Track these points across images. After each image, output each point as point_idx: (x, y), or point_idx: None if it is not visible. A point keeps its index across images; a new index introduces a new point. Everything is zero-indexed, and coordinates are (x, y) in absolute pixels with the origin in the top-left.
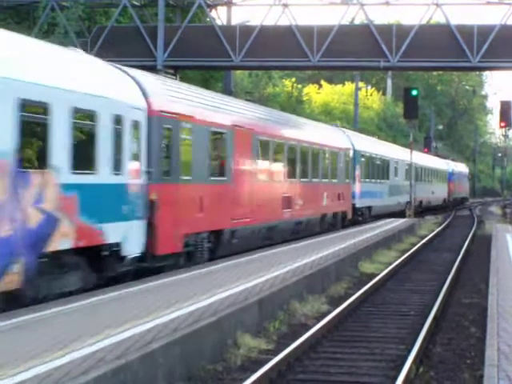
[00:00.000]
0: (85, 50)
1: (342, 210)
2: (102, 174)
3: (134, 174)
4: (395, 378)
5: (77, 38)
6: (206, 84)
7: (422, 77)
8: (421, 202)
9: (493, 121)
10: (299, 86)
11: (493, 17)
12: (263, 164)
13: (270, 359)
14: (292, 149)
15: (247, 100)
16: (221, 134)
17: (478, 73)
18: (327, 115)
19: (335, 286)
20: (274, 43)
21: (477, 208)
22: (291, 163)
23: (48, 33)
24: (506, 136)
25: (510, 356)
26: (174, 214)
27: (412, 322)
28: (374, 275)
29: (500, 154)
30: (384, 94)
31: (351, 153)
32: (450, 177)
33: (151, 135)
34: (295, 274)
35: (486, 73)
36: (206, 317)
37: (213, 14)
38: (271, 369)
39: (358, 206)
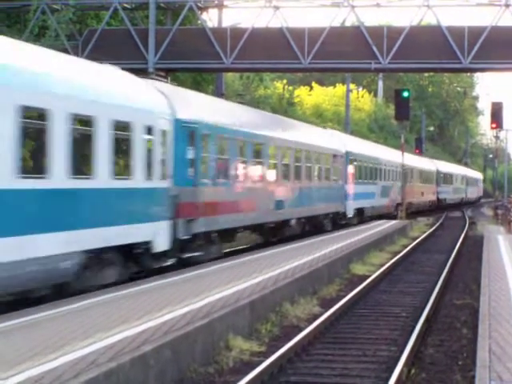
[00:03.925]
0: (76, 53)
1: (434, 199)
2: (388, 181)
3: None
4: (387, 379)
5: (68, 41)
6: (197, 86)
7: (413, 78)
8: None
9: (484, 122)
10: (290, 88)
11: (484, 18)
12: (416, 176)
13: (262, 361)
14: (419, 170)
15: (239, 102)
16: (428, 173)
17: (469, 74)
18: (318, 117)
19: (327, 287)
20: (265, 45)
21: (468, 209)
22: (422, 177)
23: (39, 36)
24: (497, 137)
25: (502, 357)
26: (408, 194)
27: (404, 323)
28: (365, 277)
29: (491, 155)
30: (375, 95)
31: (436, 172)
32: (477, 183)
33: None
34: (287, 276)
35: (477, 74)
36: (198, 319)
37: (204, 16)
38: (263, 371)
39: (439, 197)
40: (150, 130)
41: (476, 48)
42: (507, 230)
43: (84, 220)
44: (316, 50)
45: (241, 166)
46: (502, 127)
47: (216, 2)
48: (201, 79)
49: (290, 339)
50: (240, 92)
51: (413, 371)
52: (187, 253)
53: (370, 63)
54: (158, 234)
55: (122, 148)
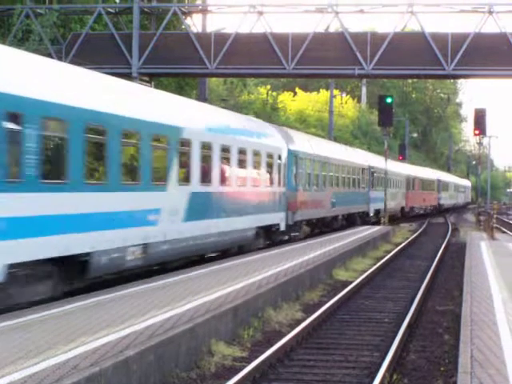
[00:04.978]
0: (59, 57)
1: (435, 204)
2: (395, 188)
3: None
4: None
5: (51, 45)
6: (180, 91)
7: (397, 84)
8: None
9: (467, 128)
10: (274, 93)
11: (467, 25)
12: (420, 184)
13: (244, 367)
14: (423, 179)
15: (222, 107)
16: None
17: (452, 80)
18: (302, 123)
19: (309, 293)
20: (248, 51)
21: (452, 215)
22: (425, 185)
23: (23, 40)
24: (480, 144)
25: (484, 363)
26: (409, 199)
27: (386, 329)
28: (348, 283)
29: (474, 162)
30: (359, 101)
31: (437, 181)
32: (466, 189)
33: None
34: (270, 282)
35: (461, 80)
36: (181, 324)
37: (188, 21)
38: (245, 376)
39: (440, 203)
40: (279, 157)
41: (459, 55)
42: (490, 237)
43: (255, 209)
44: (300, 55)
45: (316, 177)
46: (485, 134)
47: (200, 7)
48: (184, 84)
49: (272, 344)
50: (224, 97)
51: (395, 377)
52: (292, 233)
53: (354, 69)
54: (281, 220)
55: (269, 168)
